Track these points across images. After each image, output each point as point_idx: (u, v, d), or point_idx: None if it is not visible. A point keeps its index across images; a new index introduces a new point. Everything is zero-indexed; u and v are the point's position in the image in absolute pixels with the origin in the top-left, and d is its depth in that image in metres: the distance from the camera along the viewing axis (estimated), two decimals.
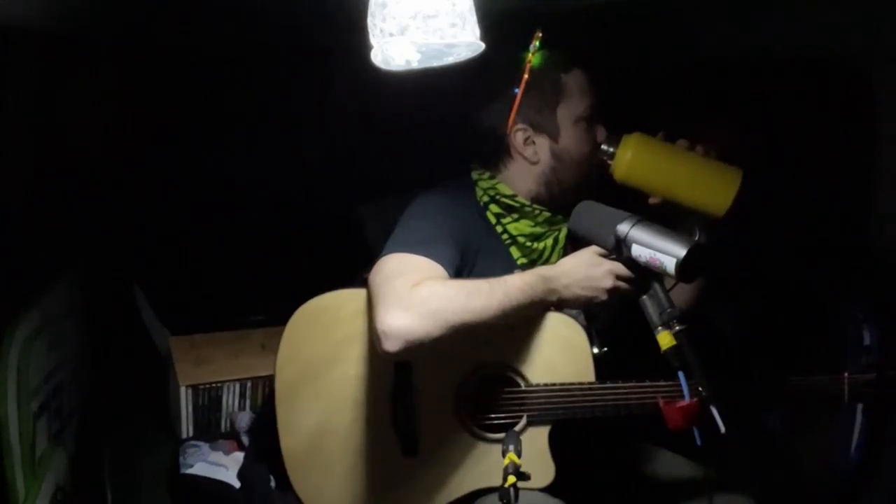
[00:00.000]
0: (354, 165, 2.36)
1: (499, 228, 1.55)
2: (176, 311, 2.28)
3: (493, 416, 1.45)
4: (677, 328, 1.19)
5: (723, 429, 1.13)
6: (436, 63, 1.15)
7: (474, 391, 1.46)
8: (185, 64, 2.13)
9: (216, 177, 2.26)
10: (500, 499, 1.09)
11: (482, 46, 1.12)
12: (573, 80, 1.54)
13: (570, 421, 1.44)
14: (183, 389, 2.03)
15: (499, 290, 1.35)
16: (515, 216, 1.55)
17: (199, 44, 2.06)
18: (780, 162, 1.83)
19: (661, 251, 1.21)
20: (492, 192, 1.56)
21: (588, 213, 1.40)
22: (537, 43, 1.49)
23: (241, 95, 2.24)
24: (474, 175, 1.60)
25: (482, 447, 1.46)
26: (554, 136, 1.54)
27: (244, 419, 2.03)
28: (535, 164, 1.55)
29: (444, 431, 1.46)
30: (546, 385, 1.44)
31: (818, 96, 1.81)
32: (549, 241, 1.57)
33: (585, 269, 1.41)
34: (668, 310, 1.22)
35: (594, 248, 1.41)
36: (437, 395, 1.46)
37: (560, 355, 1.44)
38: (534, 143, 1.54)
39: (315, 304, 1.46)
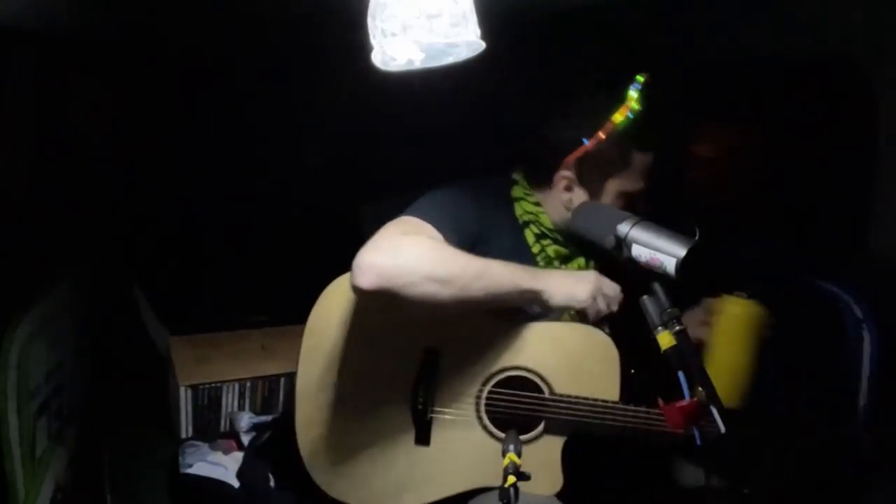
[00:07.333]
0: (354, 165, 2.36)
1: (536, 248, 1.54)
2: (176, 311, 2.28)
3: (511, 418, 1.44)
4: (677, 328, 1.19)
5: (723, 429, 1.13)
6: (436, 63, 1.15)
7: (497, 391, 1.46)
8: (186, 64, 2.13)
9: (216, 177, 2.26)
10: (500, 499, 1.09)
11: (482, 45, 1.12)
12: (641, 161, 1.48)
13: (587, 436, 1.43)
14: (183, 389, 2.03)
15: (479, 263, 1.35)
16: (549, 241, 1.55)
17: (200, 44, 2.06)
18: (780, 162, 1.83)
19: (661, 251, 1.21)
20: (533, 218, 1.54)
21: (588, 212, 1.40)
22: (637, 89, 1.41)
23: (242, 96, 2.24)
24: (518, 191, 1.57)
25: (495, 447, 1.45)
26: (593, 198, 1.51)
27: (244, 419, 2.03)
28: (566, 209, 1.52)
29: (460, 426, 1.46)
30: (568, 396, 1.44)
31: (818, 96, 1.81)
32: (576, 265, 1.58)
33: (573, 275, 1.44)
34: (668, 310, 1.21)
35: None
36: (460, 388, 1.46)
37: (589, 370, 1.44)
38: (572, 192, 1.51)
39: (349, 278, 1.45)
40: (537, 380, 1.45)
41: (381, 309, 1.41)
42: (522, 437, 1.43)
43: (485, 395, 1.46)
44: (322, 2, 1.43)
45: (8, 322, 1.46)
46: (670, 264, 1.19)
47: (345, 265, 1.56)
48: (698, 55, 1.95)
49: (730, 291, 1.34)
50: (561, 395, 1.44)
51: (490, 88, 1.95)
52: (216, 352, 2.18)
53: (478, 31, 1.09)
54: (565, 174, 1.50)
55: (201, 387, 2.05)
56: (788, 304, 1.93)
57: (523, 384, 1.46)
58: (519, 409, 1.45)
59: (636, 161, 1.49)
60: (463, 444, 1.46)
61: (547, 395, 1.45)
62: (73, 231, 1.90)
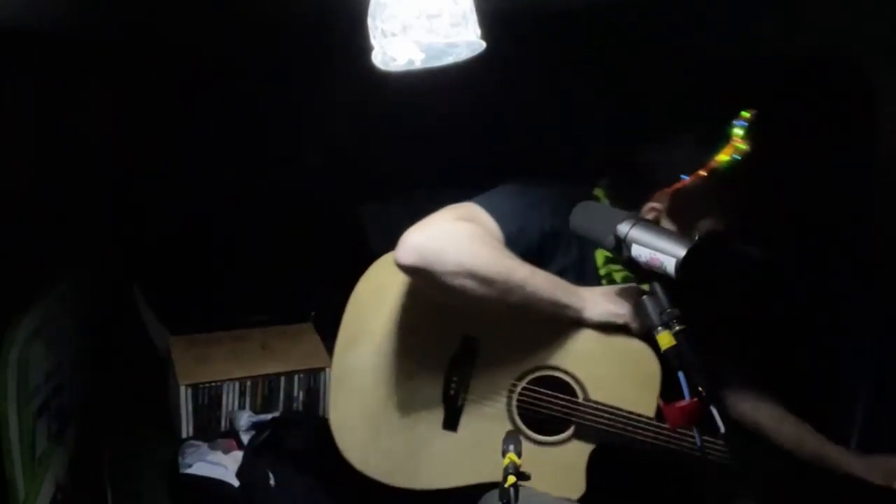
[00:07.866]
0: (354, 165, 2.36)
1: (603, 270, 1.49)
2: (176, 311, 2.28)
3: (541, 417, 1.44)
4: (677, 328, 1.19)
5: (722, 429, 1.13)
6: (436, 63, 1.15)
7: (531, 388, 1.45)
8: (186, 64, 2.13)
9: (216, 177, 2.26)
10: (500, 499, 1.09)
11: (482, 45, 1.12)
12: (732, 200, 1.42)
13: (616, 447, 1.42)
14: (183, 389, 2.03)
15: (526, 269, 1.34)
16: (618, 267, 1.50)
17: (200, 44, 2.06)
18: (779, 162, 1.83)
19: (661, 251, 1.20)
20: None
21: (588, 212, 1.39)
22: (743, 126, 1.33)
23: (242, 95, 2.24)
24: None
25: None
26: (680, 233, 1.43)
27: (243, 417, 2.03)
28: None
29: (489, 417, 1.45)
30: (602, 405, 1.42)
31: (818, 96, 1.81)
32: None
33: (613, 291, 1.42)
34: (668, 310, 1.21)
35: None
36: (494, 380, 1.45)
37: (628, 381, 1.42)
38: (658, 223, 1.41)
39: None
40: (573, 383, 1.44)
41: (423, 291, 1.41)
42: (551, 439, 1.44)
43: (518, 390, 1.45)
44: (322, 2, 1.43)
45: (8, 322, 1.46)
46: (670, 264, 1.19)
47: (345, 264, 1.57)
48: (698, 55, 1.95)
49: None
50: (594, 402, 1.42)
51: (490, 88, 1.95)
52: (216, 352, 2.18)
53: (478, 31, 1.09)
54: (655, 206, 1.43)
55: (201, 386, 2.05)
56: (786, 305, 1.94)
57: (558, 385, 1.44)
58: (550, 409, 1.44)
59: (731, 202, 1.43)
60: (489, 435, 1.43)
61: (580, 399, 1.43)
62: (73, 231, 1.90)
